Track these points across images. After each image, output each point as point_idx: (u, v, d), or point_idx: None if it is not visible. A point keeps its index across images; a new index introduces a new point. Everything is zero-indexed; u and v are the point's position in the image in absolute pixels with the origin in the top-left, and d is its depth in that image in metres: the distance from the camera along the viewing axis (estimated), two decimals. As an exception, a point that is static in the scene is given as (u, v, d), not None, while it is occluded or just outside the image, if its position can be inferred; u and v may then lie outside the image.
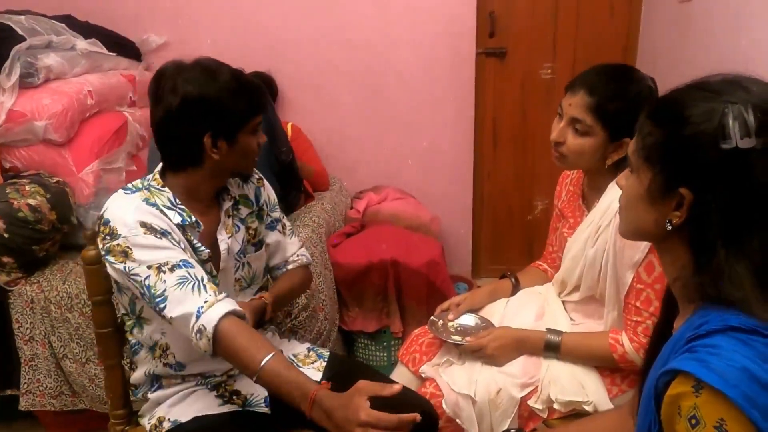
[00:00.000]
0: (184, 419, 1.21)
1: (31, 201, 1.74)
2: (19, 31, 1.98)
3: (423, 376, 1.43)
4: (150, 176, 1.21)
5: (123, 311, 1.25)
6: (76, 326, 1.74)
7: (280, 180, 1.98)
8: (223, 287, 1.29)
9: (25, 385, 1.80)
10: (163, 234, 1.12)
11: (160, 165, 1.22)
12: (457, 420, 1.31)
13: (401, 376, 1.47)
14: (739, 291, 0.67)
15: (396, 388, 1.02)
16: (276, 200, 1.44)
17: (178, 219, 1.17)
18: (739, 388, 0.61)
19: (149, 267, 1.09)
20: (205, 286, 1.11)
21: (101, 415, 1.77)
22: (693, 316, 0.74)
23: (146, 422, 1.26)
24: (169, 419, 1.23)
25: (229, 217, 1.28)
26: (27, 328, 1.77)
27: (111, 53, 2.32)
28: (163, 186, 1.19)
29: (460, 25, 2.63)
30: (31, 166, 1.96)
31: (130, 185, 1.20)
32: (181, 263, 1.11)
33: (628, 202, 0.83)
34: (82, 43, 2.19)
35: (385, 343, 2.19)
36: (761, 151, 0.66)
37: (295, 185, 2.21)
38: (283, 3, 2.65)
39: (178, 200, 1.18)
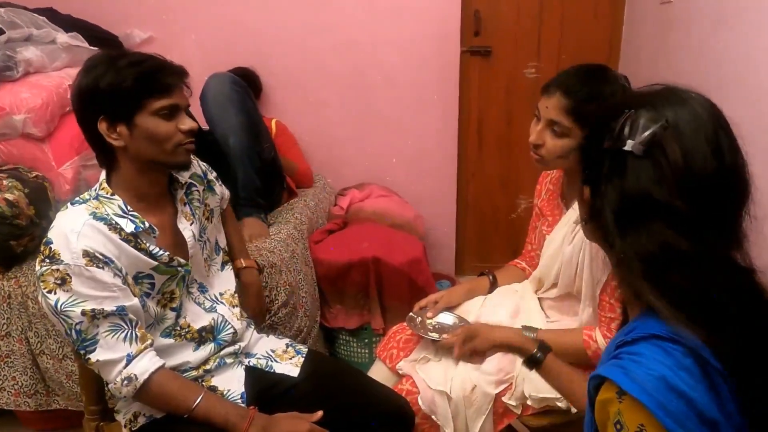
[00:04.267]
0: (159, 414, 1.21)
1: (9, 196, 1.73)
2: (-2, 24, 1.96)
3: (400, 372, 1.43)
4: (97, 185, 1.19)
5: None
6: (53, 322, 1.72)
7: (262, 176, 1.98)
8: (196, 272, 1.32)
9: (0, 382, 1.79)
10: (106, 263, 1.10)
11: (103, 173, 1.20)
12: (433, 416, 1.32)
13: (379, 373, 1.48)
14: (635, 285, 0.71)
15: (317, 415, 1.19)
16: (204, 164, 1.45)
17: (130, 227, 1.15)
18: (654, 397, 0.63)
19: (83, 313, 1.08)
20: (136, 335, 1.14)
21: (80, 412, 1.75)
22: (630, 322, 0.77)
23: (122, 417, 1.25)
24: (144, 414, 1.23)
25: (185, 204, 1.29)
26: (3, 323, 1.75)
27: (93, 47, 2.30)
28: (112, 194, 1.17)
29: (445, 23, 2.64)
30: (9, 160, 1.94)
31: (78, 198, 1.17)
32: (116, 310, 1.11)
33: (579, 207, 0.88)
34: (63, 37, 2.16)
35: (366, 340, 2.19)
36: (635, 155, 0.71)
37: (278, 182, 2.22)
38: (269, 0, 2.64)
39: (129, 207, 1.16)
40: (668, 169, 0.69)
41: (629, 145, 0.71)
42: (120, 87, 1.09)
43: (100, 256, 1.09)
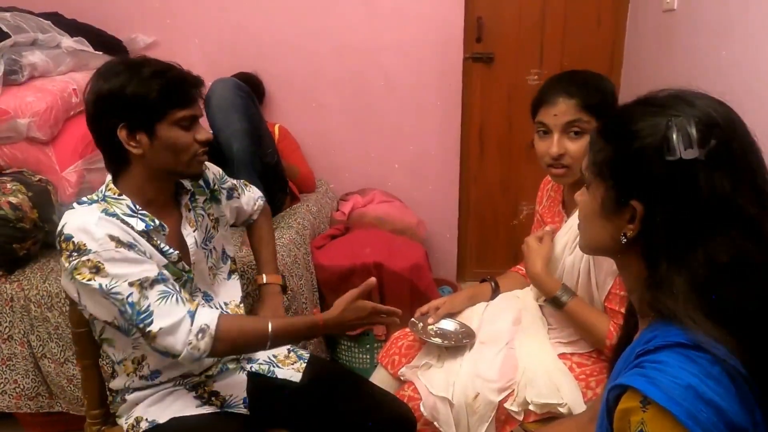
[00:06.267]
0: (161, 420, 1.21)
1: (13, 199, 1.73)
2: (4, 28, 1.97)
3: (402, 378, 1.43)
4: (104, 187, 1.18)
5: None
6: (55, 325, 1.73)
7: (264, 181, 1.98)
8: (199, 280, 1.31)
9: (1, 386, 1.79)
10: (131, 246, 1.10)
11: (110, 175, 1.20)
12: (435, 423, 1.32)
13: (380, 379, 1.48)
14: (673, 303, 0.68)
15: (371, 281, 1.25)
16: (220, 171, 1.44)
17: (141, 225, 1.14)
18: (683, 406, 0.62)
19: (131, 284, 1.06)
20: (183, 298, 1.13)
21: (81, 417, 1.75)
22: (645, 331, 0.75)
23: (123, 422, 1.25)
24: (146, 419, 1.22)
25: (189, 210, 1.28)
26: (6, 327, 1.75)
27: (97, 52, 2.31)
28: (119, 195, 1.16)
29: (447, 30, 2.65)
30: (14, 163, 1.94)
31: (85, 198, 1.16)
32: (159, 277, 1.10)
33: (584, 218, 0.85)
34: (67, 41, 2.17)
35: (367, 346, 2.19)
36: (704, 162, 0.68)
37: (281, 187, 2.22)
38: (272, 5, 2.66)
39: (137, 206, 1.16)
40: (739, 170, 0.68)
41: (699, 154, 0.68)
42: (146, 97, 1.09)
43: (124, 240, 1.09)
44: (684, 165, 0.68)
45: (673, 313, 0.68)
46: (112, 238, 1.07)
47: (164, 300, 1.09)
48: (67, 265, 1.07)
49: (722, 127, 0.69)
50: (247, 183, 1.56)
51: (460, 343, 1.42)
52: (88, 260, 1.05)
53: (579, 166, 1.25)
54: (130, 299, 1.07)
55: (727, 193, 0.68)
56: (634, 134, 0.73)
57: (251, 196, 1.53)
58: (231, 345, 1.15)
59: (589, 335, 1.30)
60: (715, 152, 0.68)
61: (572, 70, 1.33)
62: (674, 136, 0.69)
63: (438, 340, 1.42)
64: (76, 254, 1.06)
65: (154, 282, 1.09)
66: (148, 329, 1.08)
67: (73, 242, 1.06)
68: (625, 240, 0.76)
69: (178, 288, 1.13)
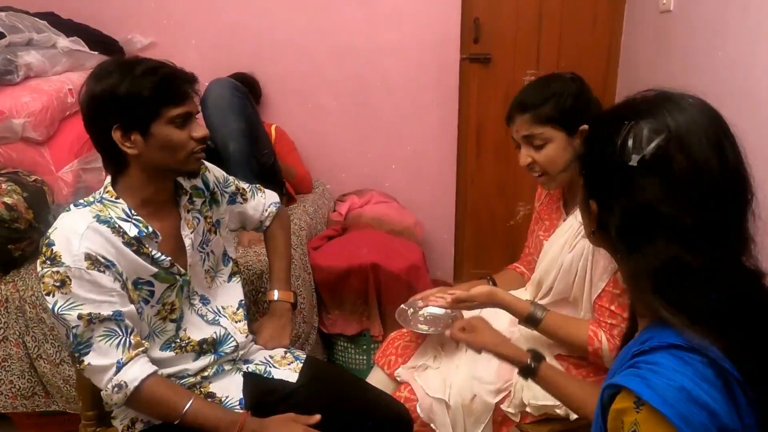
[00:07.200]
0: (157, 421, 1.20)
1: (8, 199, 1.72)
2: (-1, 28, 1.97)
3: (398, 379, 1.43)
4: (102, 188, 1.18)
5: None
6: (51, 327, 1.72)
7: (261, 182, 1.97)
8: (196, 283, 1.30)
9: (-2, 386, 1.78)
10: (107, 267, 1.10)
11: (109, 177, 1.20)
12: (431, 424, 1.32)
13: (377, 379, 1.48)
14: (646, 298, 0.70)
15: (315, 418, 1.20)
16: (224, 174, 1.42)
17: (134, 231, 1.14)
18: (676, 408, 0.62)
19: (80, 317, 1.07)
20: (130, 342, 1.13)
21: (76, 417, 1.75)
22: (642, 331, 0.76)
23: (119, 423, 1.24)
24: (141, 420, 1.22)
25: (188, 212, 1.28)
26: (1, 327, 1.74)
27: (93, 52, 2.31)
28: (117, 198, 1.16)
29: (445, 31, 2.65)
30: (9, 164, 1.94)
31: (82, 200, 1.17)
32: (113, 316, 1.10)
33: (582, 217, 0.88)
34: (63, 41, 2.17)
35: (364, 347, 2.19)
36: (639, 168, 0.70)
37: (277, 187, 2.21)
38: (269, 6, 2.66)
39: (133, 211, 1.16)
40: (675, 182, 0.69)
41: (634, 160, 0.70)
42: (138, 95, 1.08)
43: (102, 260, 1.09)
44: (624, 169, 0.71)
45: (651, 307, 0.70)
46: (88, 257, 1.08)
47: (107, 339, 1.11)
48: (39, 269, 1.09)
49: (671, 136, 0.70)
50: (262, 188, 1.53)
51: (445, 329, 1.42)
52: (57, 272, 1.07)
53: (554, 171, 1.31)
54: (74, 330, 1.09)
55: (657, 200, 0.69)
56: (595, 136, 0.79)
57: (261, 202, 1.50)
58: (143, 408, 1.17)
59: (570, 346, 1.31)
60: (652, 160, 0.69)
61: (534, 80, 1.38)
62: (619, 141, 0.71)
63: (424, 327, 1.42)
64: (48, 263, 1.08)
65: (105, 319, 1.10)
66: (81, 358, 1.10)
67: (52, 250, 1.08)
68: (592, 236, 0.80)
69: (128, 331, 1.13)
